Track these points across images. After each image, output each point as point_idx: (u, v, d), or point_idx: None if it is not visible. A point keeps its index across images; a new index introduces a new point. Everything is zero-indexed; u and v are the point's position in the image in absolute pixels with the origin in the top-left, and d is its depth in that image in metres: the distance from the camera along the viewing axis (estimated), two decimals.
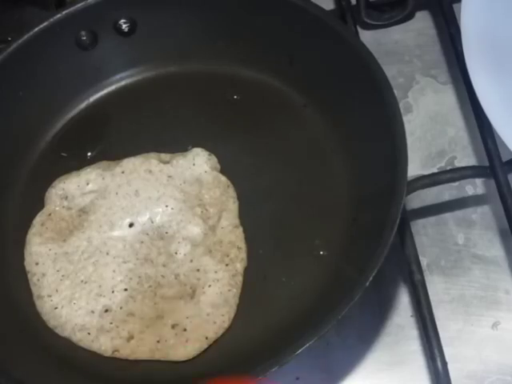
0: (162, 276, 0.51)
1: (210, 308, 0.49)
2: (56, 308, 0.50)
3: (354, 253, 0.49)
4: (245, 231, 0.52)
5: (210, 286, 0.50)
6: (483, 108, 0.51)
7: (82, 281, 0.51)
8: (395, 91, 0.50)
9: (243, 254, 0.51)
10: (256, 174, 0.55)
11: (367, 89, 0.51)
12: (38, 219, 0.54)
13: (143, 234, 0.52)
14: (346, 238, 0.51)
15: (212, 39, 0.58)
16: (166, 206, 0.53)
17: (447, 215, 0.56)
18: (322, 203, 0.53)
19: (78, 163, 0.56)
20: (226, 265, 0.51)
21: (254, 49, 0.57)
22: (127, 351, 0.49)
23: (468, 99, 0.56)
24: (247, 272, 0.51)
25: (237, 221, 0.53)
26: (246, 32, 0.57)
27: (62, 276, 0.51)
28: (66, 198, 0.54)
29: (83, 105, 0.59)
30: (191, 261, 0.51)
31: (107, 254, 0.52)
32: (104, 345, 0.49)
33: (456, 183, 0.56)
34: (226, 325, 0.49)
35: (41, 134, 0.58)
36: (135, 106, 0.59)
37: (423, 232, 0.55)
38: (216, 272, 0.51)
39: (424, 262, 0.54)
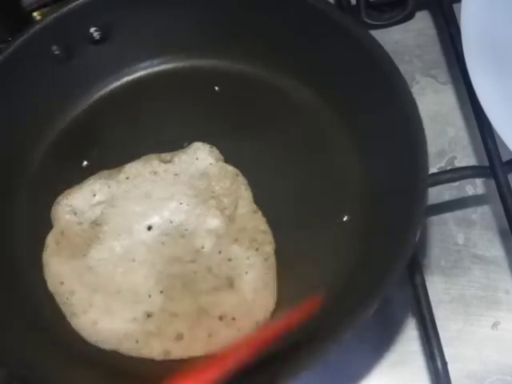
0: (194, 272, 0.51)
1: (252, 294, 0.49)
2: (96, 323, 0.50)
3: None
4: (265, 216, 0.52)
5: (246, 272, 0.50)
6: (483, 108, 0.51)
7: (114, 291, 0.51)
8: None
9: (270, 237, 0.51)
10: (262, 161, 0.55)
11: (381, 87, 0.51)
12: (51, 238, 0.53)
13: (163, 235, 0.52)
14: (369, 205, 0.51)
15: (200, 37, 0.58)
16: (180, 204, 0.53)
17: (447, 215, 0.56)
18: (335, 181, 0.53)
19: (75, 174, 0.55)
20: (256, 249, 0.51)
21: (254, 44, 0.57)
22: (179, 352, 0.49)
23: (468, 99, 0.56)
24: (278, 254, 0.51)
25: (254, 206, 0.52)
26: (245, 30, 0.57)
27: (93, 290, 0.51)
28: (75, 213, 0.53)
29: (72, 115, 0.58)
30: (220, 252, 0.51)
31: (133, 260, 0.51)
32: (155, 349, 0.49)
33: (456, 183, 0.56)
34: (272, 307, 0.49)
35: (31, 150, 0.57)
36: (124, 110, 0.58)
37: (423, 232, 0.55)
38: (248, 258, 0.50)
39: (424, 261, 0.54)
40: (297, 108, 0.56)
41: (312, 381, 0.51)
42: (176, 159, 0.54)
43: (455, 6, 0.59)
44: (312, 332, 0.46)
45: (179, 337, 0.49)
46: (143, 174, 0.54)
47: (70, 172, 0.56)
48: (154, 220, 0.52)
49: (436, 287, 0.53)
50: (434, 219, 0.56)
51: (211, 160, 0.54)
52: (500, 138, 0.51)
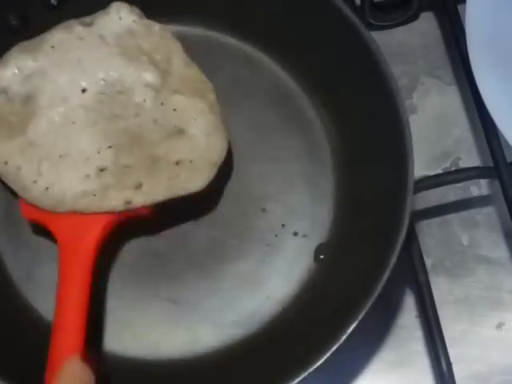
0: (140, 125, 0.51)
1: (204, 137, 0.50)
2: (48, 188, 0.49)
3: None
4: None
5: (195, 119, 0.51)
6: (488, 109, 0.51)
7: (60, 156, 0.50)
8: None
9: (210, 85, 0.52)
10: None
11: (373, 89, 0.51)
12: None
13: (100, 94, 0.51)
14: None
15: None
16: (112, 63, 0.52)
17: (452, 216, 0.56)
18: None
19: None
20: (200, 97, 0.51)
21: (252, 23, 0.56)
22: (140, 198, 0.49)
23: (473, 100, 0.56)
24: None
25: (187, 59, 0.52)
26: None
27: (38, 161, 0.50)
28: (5, 93, 0.52)
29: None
30: (162, 104, 0.51)
31: (73, 123, 0.50)
32: (114, 199, 0.49)
33: (461, 184, 0.56)
34: (226, 146, 0.50)
35: None
36: None
37: (428, 233, 0.55)
38: (194, 105, 0.51)
39: (428, 262, 0.54)
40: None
41: (315, 381, 0.51)
42: (98, 21, 0.53)
43: (460, 6, 0.58)
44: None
45: (138, 185, 0.49)
46: (68, 40, 0.52)
47: None
48: (88, 82, 0.51)
49: (440, 288, 0.53)
50: (439, 220, 0.56)
51: (134, 17, 0.53)
52: (505, 139, 0.51)
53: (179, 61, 0.52)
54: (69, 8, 0.55)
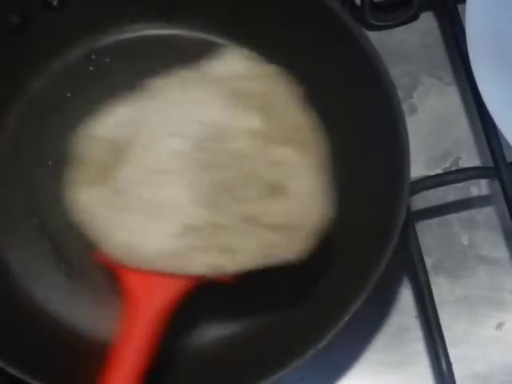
0: (235, 178, 0.44)
1: (305, 199, 0.44)
2: (128, 242, 0.44)
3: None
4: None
5: (296, 176, 0.44)
6: (488, 109, 0.51)
7: (147, 208, 0.44)
8: (399, 92, 0.50)
9: (322, 137, 0.46)
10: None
11: (369, 88, 0.51)
12: (72, 170, 0.46)
13: (197, 141, 0.45)
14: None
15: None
16: (214, 108, 0.46)
17: (452, 216, 0.56)
18: None
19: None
20: (308, 151, 0.45)
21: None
22: (228, 264, 0.43)
23: (473, 100, 0.56)
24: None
25: (299, 106, 0.46)
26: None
27: (123, 211, 0.45)
28: (95, 138, 0.47)
29: (33, 90, 0.56)
30: (264, 155, 0.45)
31: (165, 172, 0.45)
32: (199, 263, 0.43)
33: (461, 184, 0.56)
34: (330, 214, 0.44)
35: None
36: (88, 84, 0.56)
37: (428, 233, 0.55)
38: (300, 160, 0.44)
39: (428, 262, 0.53)
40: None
41: (314, 381, 0.51)
42: (203, 64, 0.48)
43: (460, 6, 0.58)
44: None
45: (227, 249, 0.43)
46: (169, 84, 0.47)
47: None
48: (186, 128, 0.45)
49: (440, 288, 0.53)
50: (439, 220, 0.56)
51: (242, 59, 0.48)
52: (505, 139, 0.51)
53: (289, 107, 0.46)
54: (71, 10, 0.55)
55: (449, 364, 0.48)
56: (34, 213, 0.53)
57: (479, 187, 0.57)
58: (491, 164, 0.54)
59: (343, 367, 0.51)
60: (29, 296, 0.51)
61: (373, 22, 0.61)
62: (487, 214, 0.56)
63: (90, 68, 0.57)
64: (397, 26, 0.63)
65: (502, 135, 0.51)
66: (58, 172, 0.48)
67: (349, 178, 0.52)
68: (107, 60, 0.57)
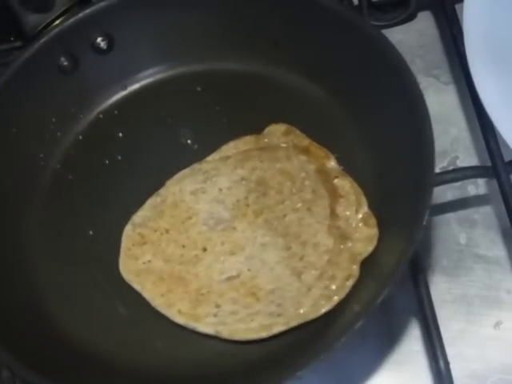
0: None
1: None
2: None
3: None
4: None
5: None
6: (485, 108, 0.51)
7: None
8: None
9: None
10: None
11: (390, 85, 0.51)
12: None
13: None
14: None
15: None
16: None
17: (449, 215, 0.56)
18: None
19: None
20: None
21: (258, 44, 0.58)
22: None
23: (470, 99, 0.56)
24: None
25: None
26: (248, 31, 0.57)
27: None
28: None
29: (79, 129, 0.58)
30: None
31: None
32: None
33: (458, 183, 0.56)
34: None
35: (44, 167, 0.57)
36: (136, 117, 0.59)
37: (426, 232, 0.55)
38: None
39: (426, 261, 0.54)
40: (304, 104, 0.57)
41: (313, 381, 0.51)
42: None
43: (457, 6, 0.59)
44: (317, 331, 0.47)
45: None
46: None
47: None
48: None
49: (438, 287, 0.53)
50: (437, 219, 0.56)
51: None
52: (502, 138, 0.51)
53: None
54: (117, 52, 0.58)
55: (446, 363, 0.48)
56: None
57: (477, 186, 0.57)
58: (489, 163, 0.54)
59: (341, 366, 0.51)
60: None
61: (370, 21, 0.61)
62: (485, 213, 0.56)
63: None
64: (395, 25, 0.63)
65: (500, 134, 0.51)
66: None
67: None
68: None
